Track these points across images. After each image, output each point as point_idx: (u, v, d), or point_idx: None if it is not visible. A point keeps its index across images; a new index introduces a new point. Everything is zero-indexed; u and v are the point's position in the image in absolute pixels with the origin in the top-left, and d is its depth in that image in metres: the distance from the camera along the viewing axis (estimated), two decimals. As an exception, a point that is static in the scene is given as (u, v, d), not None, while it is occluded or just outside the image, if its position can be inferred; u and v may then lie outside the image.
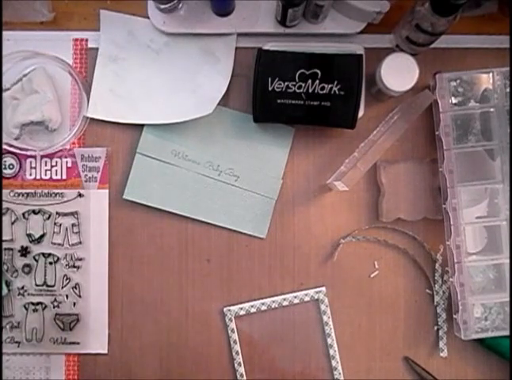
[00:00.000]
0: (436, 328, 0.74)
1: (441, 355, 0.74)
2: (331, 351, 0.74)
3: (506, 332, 0.70)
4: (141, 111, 0.73)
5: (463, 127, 0.71)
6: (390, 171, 0.73)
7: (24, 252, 0.73)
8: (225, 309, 0.74)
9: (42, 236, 0.73)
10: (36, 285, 0.73)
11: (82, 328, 0.73)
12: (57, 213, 0.73)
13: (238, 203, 0.74)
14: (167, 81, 0.73)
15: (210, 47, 0.73)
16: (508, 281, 0.70)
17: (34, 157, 0.73)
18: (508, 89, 0.70)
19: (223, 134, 0.74)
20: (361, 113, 0.71)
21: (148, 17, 0.72)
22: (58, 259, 0.73)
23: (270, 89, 0.69)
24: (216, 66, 0.73)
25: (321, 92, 0.69)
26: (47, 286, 0.73)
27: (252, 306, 0.74)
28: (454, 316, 0.72)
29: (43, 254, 0.73)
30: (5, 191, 0.73)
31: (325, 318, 0.74)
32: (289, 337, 0.74)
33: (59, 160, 0.74)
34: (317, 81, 0.69)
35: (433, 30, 0.66)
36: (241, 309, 0.74)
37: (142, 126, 0.73)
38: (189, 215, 0.74)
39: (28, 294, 0.73)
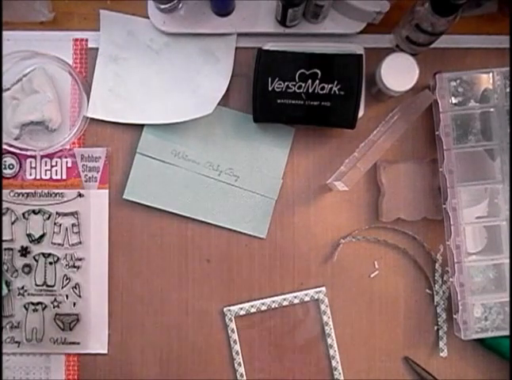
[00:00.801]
0: (436, 328, 0.74)
1: (441, 355, 0.74)
2: (331, 351, 0.74)
3: (506, 332, 0.70)
4: (141, 111, 0.73)
5: (463, 127, 0.71)
6: (390, 171, 0.73)
7: (24, 252, 0.73)
8: (225, 309, 0.74)
9: (42, 236, 0.73)
10: (36, 285, 0.73)
11: (82, 328, 0.73)
12: (57, 213, 0.73)
13: (238, 203, 0.74)
14: (167, 81, 0.73)
15: (210, 47, 0.73)
16: (508, 281, 0.70)
17: (34, 157, 0.73)
18: (508, 89, 0.70)
19: (223, 134, 0.74)
20: (361, 113, 0.71)
21: (148, 17, 0.72)
22: (58, 259, 0.73)
23: (270, 89, 0.69)
24: (216, 66, 0.73)
25: (321, 92, 0.69)
26: (47, 286, 0.73)
27: (252, 306, 0.74)
28: (454, 316, 0.72)
29: (43, 254, 0.73)
30: (5, 191, 0.73)
31: (325, 318, 0.74)
32: (289, 337, 0.74)
33: (59, 160, 0.74)
34: (317, 81, 0.69)
35: (433, 30, 0.66)
36: (241, 309, 0.74)
37: (142, 126, 0.73)
38: (189, 215, 0.74)
39: (28, 294, 0.73)
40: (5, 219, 0.73)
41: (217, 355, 0.74)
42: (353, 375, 0.74)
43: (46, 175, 0.74)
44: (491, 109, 0.70)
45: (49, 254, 0.73)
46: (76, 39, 0.74)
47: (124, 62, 0.73)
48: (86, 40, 0.74)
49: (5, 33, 0.72)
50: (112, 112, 0.73)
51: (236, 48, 0.73)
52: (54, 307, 0.73)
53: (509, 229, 0.70)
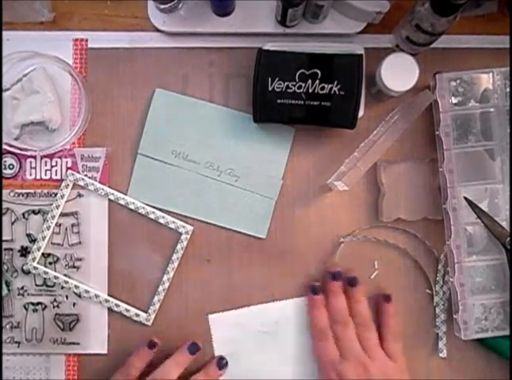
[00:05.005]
0: (435, 328, 0.74)
1: (441, 355, 0.74)
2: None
3: (506, 332, 0.70)
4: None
5: (463, 127, 0.71)
6: (390, 171, 0.73)
7: (24, 252, 0.73)
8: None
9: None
10: (36, 285, 0.73)
11: (82, 328, 0.73)
12: (57, 213, 0.73)
13: (238, 203, 0.74)
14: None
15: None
16: (508, 281, 0.70)
17: (34, 157, 0.73)
18: (508, 89, 0.70)
19: (223, 134, 0.74)
20: (361, 113, 0.71)
21: (148, 18, 0.72)
22: (57, 259, 0.73)
23: (270, 89, 0.69)
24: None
25: (321, 92, 0.69)
26: (47, 286, 0.73)
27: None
28: (454, 316, 0.72)
29: (43, 254, 0.73)
30: (5, 191, 0.73)
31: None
32: (289, 337, 0.74)
33: (59, 160, 0.74)
34: (317, 81, 0.69)
35: (433, 30, 0.66)
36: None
37: (142, 126, 0.73)
38: (190, 215, 0.74)
39: (28, 294, 0.73)
40: (5, 219, 0.73)
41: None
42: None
43: (46, 175, 0.74)
44: (491, 109, 0.70)
45: (49, 254, 0.73)
46: (76, 39, 0.74)
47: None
48: (86, 40, 0.74)
49: (5, 33, 0.72)
50: None
51: (236, 48, 0.73)
52: (54, 307, 0.73)
53: (509, 229, 0.70)
